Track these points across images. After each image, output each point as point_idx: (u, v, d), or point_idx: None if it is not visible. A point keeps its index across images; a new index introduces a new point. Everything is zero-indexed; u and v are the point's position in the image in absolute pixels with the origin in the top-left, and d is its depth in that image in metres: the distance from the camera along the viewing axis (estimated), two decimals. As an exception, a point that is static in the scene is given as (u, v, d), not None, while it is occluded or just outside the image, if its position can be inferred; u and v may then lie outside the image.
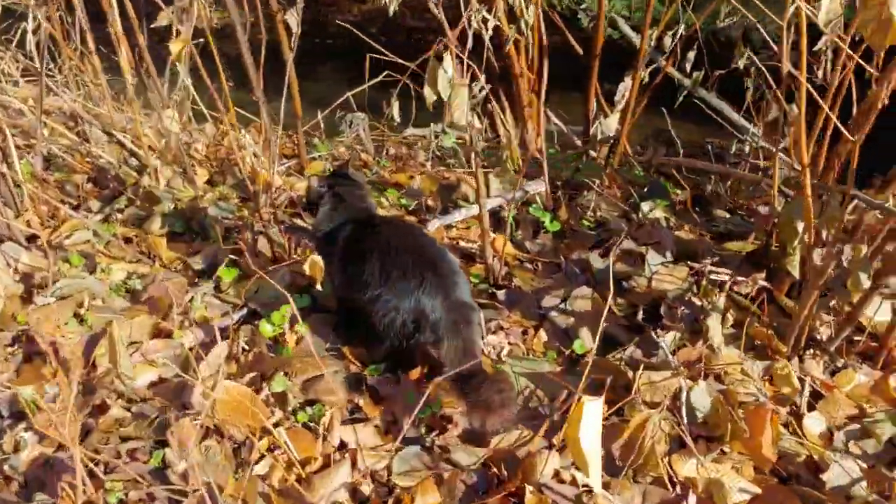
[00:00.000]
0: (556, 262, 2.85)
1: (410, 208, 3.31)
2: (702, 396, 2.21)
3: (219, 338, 2.36)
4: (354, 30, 2.89)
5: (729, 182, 3.97)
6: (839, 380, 2.40)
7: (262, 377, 2.29)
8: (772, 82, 2.72)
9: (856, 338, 2.50)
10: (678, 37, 3.65)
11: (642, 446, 2.02)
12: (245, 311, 2.55)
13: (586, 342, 2.46)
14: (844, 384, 2.39)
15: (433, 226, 2.95)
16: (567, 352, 2.46)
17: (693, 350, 2.43)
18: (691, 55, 4.07)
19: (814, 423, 2.24)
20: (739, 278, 2.71)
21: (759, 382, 2.28)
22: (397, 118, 4.62)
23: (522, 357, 2.44)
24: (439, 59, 2.21)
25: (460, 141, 4.32)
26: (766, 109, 4.54)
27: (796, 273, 2.60)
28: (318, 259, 2.04)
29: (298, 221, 3.04)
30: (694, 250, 2.89)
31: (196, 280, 2.75)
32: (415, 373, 2.34)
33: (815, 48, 3.95)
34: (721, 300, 2.42)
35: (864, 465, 2.10)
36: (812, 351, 2.46)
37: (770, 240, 2.82)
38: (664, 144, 4.43)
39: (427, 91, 2.21)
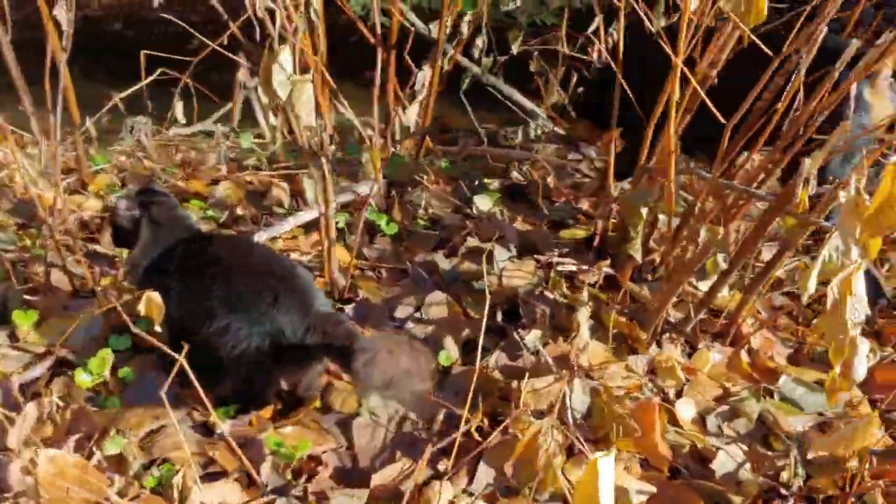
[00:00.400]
0: (400, 267, 2.65)
1: (221, 221, 2.96)
2: (582, 398, 2.12)
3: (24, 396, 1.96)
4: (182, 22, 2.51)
5: (525, 167, 3.95)
6: (696, 361, 2.40)
7: (90, 438, 1.90)
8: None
9: (702, 316, 2.52)
10: (471, 24, 3.60)
11: (536, 461, 1.88)
12: (52, 359, 2.12)
13: (451, 352, 2.29)
14: (702, 365, 2.39)
15: (259, 239, 2.64)
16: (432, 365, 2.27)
17: (557, 347, 2.34)
18: (480, 41, 4.02)
19: (685, 410, 2.21)
20: (584, 267, 2.66)
21: (645, 378, 2.23)
22: (181, 119, 4.22)
23: (384, 377, 2.22)
24: (271, 49, 1.94)
25: (258, 141, 4.00)
26: (549, 92, 4.66)
27: (639, 257, 2.59)
28: (156, 296, 1.71)
29: (97, 248, 2.62)
30: (533, 242, 2.80)
31: (-17, 330, 2.27)
32: (267, 411, 2.06)
33: (591, 29, 4.04)
34: (585, 293, 2.34)
35: (745, 448, 2.11)
36: (668, 335, 2.45)
37: (606, 224, 2.80)
38: (470, 134, 4.38)
39: (262, 92, 1.93)
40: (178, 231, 2.12)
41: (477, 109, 4.42)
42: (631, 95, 2.46)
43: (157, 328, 1.75)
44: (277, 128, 4.19)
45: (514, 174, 3.77)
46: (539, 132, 4.45)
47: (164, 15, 3.68)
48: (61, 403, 2.00)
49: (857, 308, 1.79)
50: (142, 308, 1.71)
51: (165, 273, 2.00)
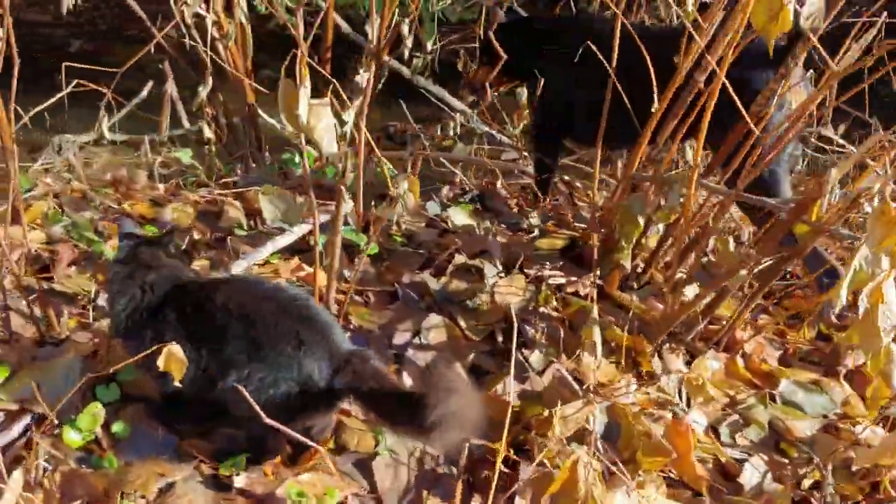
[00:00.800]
0: (386, 289, 2.51)
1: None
2: (601, 418, 2.06)
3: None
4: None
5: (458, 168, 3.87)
6: (696, 370, 2.38)
7: (91, 505, 1.72)
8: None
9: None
10: (411, 24, 3.51)
11: (575, 493, 1.80)
12: (30, 418, 1.90)
13: (462, 380, 2.18)
14: (703, 374, 2.37)
15: (240, 268, 2.44)
16: (443, 394, 2.16)
17: (562, 365, 2.27)
18: (409, 41, 3.92)
19: (698, 422, 2.18)
20: (573, 279, 2.60)
21: (678, 397, 2.18)
22: (108, 136, 3.94)
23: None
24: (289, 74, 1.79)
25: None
26: (463, 94, 4.62)
27: (628, 265, 2.56)
28: (178, 350, 1.53)
29: (54, 285, 2.37)
30: (517, 255, 2.70)
31: (-53, 389, 2.01)
32: (279, 459, 1.90)
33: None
34: (595, 310, 2.27)
35: (766, 458, 2.09)
36: (669, 345, 2.41)
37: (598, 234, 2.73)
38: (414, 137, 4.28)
39: (285, 118, 1.77)
40: (173, 273, 1.91)
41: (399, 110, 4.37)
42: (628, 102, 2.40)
43: (178, 383, 1.58)
44: (212, 139, 3.99)
45: (460, 178, 3.69)
46: (458, 130, 4.40)
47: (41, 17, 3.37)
48: (48, 466, 1.80)
49: (889, 316, 1.80)
50: (161, 364, 1.54)
51: (168, 322, 1.80)
